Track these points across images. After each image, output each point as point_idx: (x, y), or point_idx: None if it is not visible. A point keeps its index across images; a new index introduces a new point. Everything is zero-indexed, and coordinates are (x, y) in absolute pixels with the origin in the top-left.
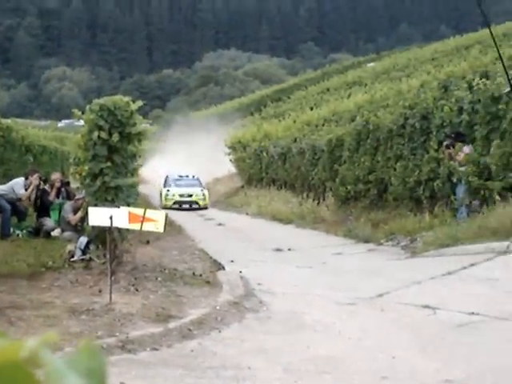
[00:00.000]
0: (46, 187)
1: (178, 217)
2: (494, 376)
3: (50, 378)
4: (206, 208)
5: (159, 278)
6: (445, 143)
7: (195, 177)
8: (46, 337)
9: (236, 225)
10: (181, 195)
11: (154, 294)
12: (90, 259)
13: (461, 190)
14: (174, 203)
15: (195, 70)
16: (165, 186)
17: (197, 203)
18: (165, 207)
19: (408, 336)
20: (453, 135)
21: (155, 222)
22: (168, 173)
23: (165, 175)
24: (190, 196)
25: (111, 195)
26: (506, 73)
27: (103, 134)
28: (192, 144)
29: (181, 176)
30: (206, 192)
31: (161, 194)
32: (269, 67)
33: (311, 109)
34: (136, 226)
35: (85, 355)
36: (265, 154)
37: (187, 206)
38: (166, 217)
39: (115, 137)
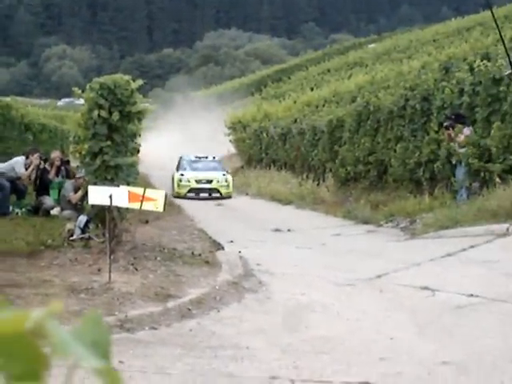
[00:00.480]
0: (46, 166)
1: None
2: (492, 358)
3: (55, 348)
4: (229, 197)
5: (158, 258)
6: (444, 124)
7: (216, 158)
8: (52, 308)
9: (235, 205)
10: (198, 181)
11: (153, 274)
12: (90, 238)
13: (461, 172)
14: (190, 191)
15: (196, 49)
16: (178, 170)
17: (218, 191)
18: (178, 195)
19: (406, 317)
20: (453, 117)
21: (155, 201)
22: (182, 153)
23: (178, 156)
24: (210, 182)
25: (111, 174)
26: (508, 55)
27: (103, 113)
28: (191, 124)
29: (198, 157)
30: (229, 177)
31: (173, 180)
32: (269, 47)
33: (312, 89)
34: (136, 206)
35: (89, 326)
36: (265, 134)
37: (206, 194)
38: (166, 196)
39: (115, 115)
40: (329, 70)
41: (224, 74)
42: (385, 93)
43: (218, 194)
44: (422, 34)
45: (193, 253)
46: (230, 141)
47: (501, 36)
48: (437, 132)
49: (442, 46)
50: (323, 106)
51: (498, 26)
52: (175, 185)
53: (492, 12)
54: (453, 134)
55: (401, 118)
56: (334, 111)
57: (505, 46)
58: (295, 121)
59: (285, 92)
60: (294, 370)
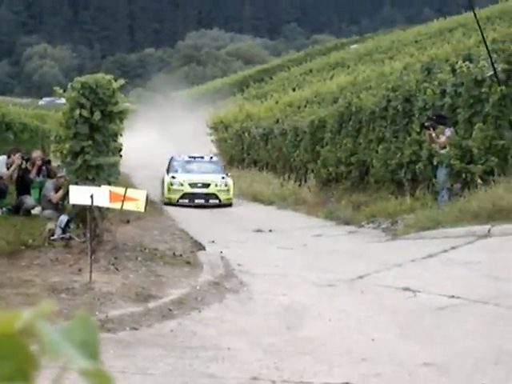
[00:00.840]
0: (27, 165)
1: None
2: (473, 359)
3: (45, 348)
4: (229, 205)
5: (139, 258)
6: (425, 124)
7: (214, 158)
8: (42, 307)
9: (217, 205)
10: (192, 185)
11: (134, 274)
12: (70, 238)
13: (442, 173)
14: (183, 196)
15: (177, 49)
16: (169, 172)
17: (216, 197)
18: (169, 202)
19: (388, 318)
20: (434, 117)
21: (136, 201)
22: (174, 153)
23: (169, 156)
24: (207, 186)
25: (92, 174)
26: (490, 56)
27: (85, 112)
28: (173, 124)
29: (192, 157)
30: (229, 181)
31: (163, 183)
32: (251, 47)
33: (293, 90)
34: (117, 205)
35: (79, 326)
36: (247, 134)
37: (202, 200)
38: (147, 196)
39: (97, 115)
40: (311, 71)
41: (206, 74)
42: (367, 94)
43: (216, 201)
44: (403, 34)
45: (174, 253)
46: (212, 141)
47: (483, 37)
48: (418, 133)
49: (424, 47)
50: (305, 106)
51: (480, 27)
52: (165, 189)
53: (474, 13)
54: (433, 135)
55: (383, 118)
56: (316, 112)
57: (487, 48)
58: (277, 121)
59: (267, 92)
60: (275, 370)
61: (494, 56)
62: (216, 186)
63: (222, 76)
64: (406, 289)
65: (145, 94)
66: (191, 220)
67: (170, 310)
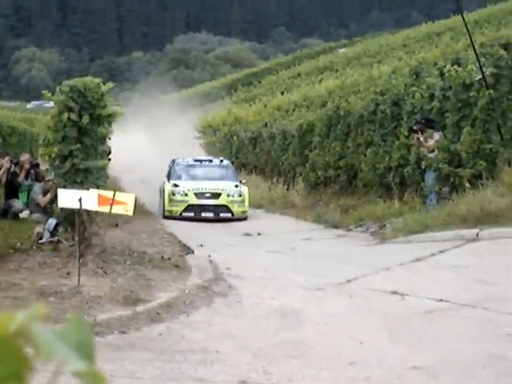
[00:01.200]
0: (16, 169)
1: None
2: (462, 363)
3: (39, 350)
4: (244, 219)
5: (128, 261)
6: (413, 128)
7: (224, 162)
8: (36, 310)
9: None
10: (199, 194)
11: (123, 277)
12: (59, 241)
13: (430, 177)
14: (187, 209)
15: (166, 52)
16: (170, 179)
17: (228, 209)
18: (170, 215)
19: (376, 322)
20: (423, 121)
21: (124, 204)
22: (176, 156)
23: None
24: (217, 196)
25: (80, 177)
26: (478, 60)
27: (73, 116)
28: (161, 127)
29: (198, 160)
30: (244, 190)
31: (162, 193)
32: (240, 51)
33: (282, 93)
34: (105, 209)
35: (73, 329)
36: (235, 138)
37: (210, 214)
38: (136, 200)
39: (85, 118)
40: (299, 75)
41: (194, 78)
42: (355, 97)
43: (228, 214)
44: (392, 38)
45: (162, 257)
46: (200, 144)
47: (471, 41)
48: (407, 137)
49: (413, 51)
50: (293, 110)
51: (468, 31)
52: (166, 200)
53: (463, 17)
54: (421, 138)
55: (371, 122)
56: (305, 115)
57: (475, 51)
58: (265, 125)
59: (255, 96)
60: (263, 374)
61: (483, 60)
62: (228, 196)
63: (211, 79)
64: (395, 292)
65: (133, 98)
66: (179, 224)
67: (159, 313)
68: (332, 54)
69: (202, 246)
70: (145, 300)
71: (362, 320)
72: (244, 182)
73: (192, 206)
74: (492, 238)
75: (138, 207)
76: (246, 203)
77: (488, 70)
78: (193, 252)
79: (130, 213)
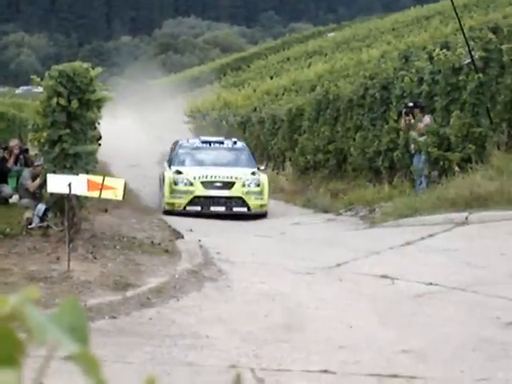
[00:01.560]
0: (5, 154)
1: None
2: (452, 346)
3: (33, 333)
4: (263, 215)
5: (117, 246)
6: (404, 110)
7: (237, 144)
8: (28, 293)
9: None
10: (207, 184)
11: (113, 262)
12: (48, 226)
13: (420, 161)
14: (193, 201)
15: (154, 37)
16: (171, 165)
17: (243, 202)
18: (171, 209)
19: (366, 306)
20: (411, 104)
21: (114, 189)
22: (179, 137)
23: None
24: (229, 186)
25: (70, 162)
26: (467, 43)
27: (62, 101)
28: (150, 112)
29: (207, 142)
30: (263, 178)
31: (161, 182)
32: (229, 35)
33: (271, 78)
34: (95, 194)
35: (67, 312)
36: (224, 122)
37: (222, 208)
38: (125, 185)
39: (74, 103)
40: (288, 59)
41: (183, 62)
42: (344, 82)
43: (243, 209)
44: (381, 22)
45: (152, 242)
46: (190, 129)
47: (460, 25)
48: (396, 121)
49: (402, 35)
50: (283, 94)
51: (457, 15)
52: (166, 191)
53: (452, 1)
54: (412, 121)
55: (360, 106)
56: (294, 100)
57: (464, 35)
58: (255, 109)
59: (244, 80)
60: (253, 358)
61: (472, 43)
62: (243, 185)
63: (200, 64)
64: (384, 276)
65: (122, 82)
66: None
67: (149, 298)
68: (321, 39)
69: (191, 231)
70: (135, 285)
71: (352, 304)
72: (263, 168)
73: (198, 198)
74: (481, 222)
75: (128, 192)
76: (266, 195)
77: (477, 54)
78: (182, 237)
79: (120, 198)
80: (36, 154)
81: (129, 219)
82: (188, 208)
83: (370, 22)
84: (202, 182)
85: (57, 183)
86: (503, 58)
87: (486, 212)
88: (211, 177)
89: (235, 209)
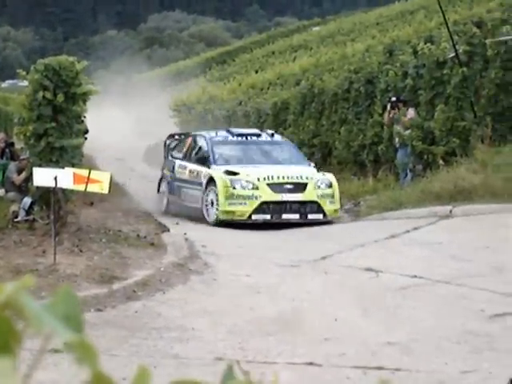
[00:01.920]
0: None
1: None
2: (436, 339)
3: (28, 322)
4: (329, 223)
5: (103, 240)
6: (388, 105)
7: (276, 136)
8: (24, 281)
9: None
10: (275, 186)
11: (98, 256)
12: (34, 220)
13: (404, 154)
14: (260, 208)
15: (140, 31)
16: (211, 163)
17: (318, 207)
18: (227, 219)
19: (351, 298)
20: (394, 99)
21: (100, 183)
22: (195, 131)
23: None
24: (301, 189)
25: (56, 156)
26: (451, 38)
27: (48, 94)
28: (136, 106)
29: (241, 135)
30: (332, 177)
31: (206, 186)
32: (214, 29)
33: (256, 72)
34: (80, 187)
35: (62, 300)
36: (210, 116)
37: (295, 215)
38: (111, 178)
39: (60, 97)
40: (273, 53)
41: (168, 56)
42: (329, 75)
43: (319, 216)
44: (365, 17)
45: (138, 235)
46: (175, 123)
47: (444, 19)
48: (381, 115)
49: (386, 29)
50: (268, 88)
51: (441, 9)
52: (221, 196)
53: None
54: (397, 115)
55: (345, 100)
56: (279, 94)
57: (448, 29)
58: (240, 103)
59: (229, 74)
60: (239, 351)
61: (456, 38)
62: (315, 188)
63: (185, 58)
64: (369, 269)
65: (108, 76)
66: (153, 199)
67: (135, 291)
68: (306, 33)
69: (177, 224)
70: (121, 278)
71: (337, 297)
72: (313, 165)
73: (267, 203)
74: (465, 215)
75: (114, 186)
76: (338, 197)
77: (461, 48)
78: (168, 230)
79: (106, 191)
80: (22, 148)
81: (114, 212)
82: (254, 217)
83: (354, 16)
84: (269, 185)
85: (43, 177)
86: (487, 52)
87: (471, 205)
88: (278, 177)
89: (310, 216)
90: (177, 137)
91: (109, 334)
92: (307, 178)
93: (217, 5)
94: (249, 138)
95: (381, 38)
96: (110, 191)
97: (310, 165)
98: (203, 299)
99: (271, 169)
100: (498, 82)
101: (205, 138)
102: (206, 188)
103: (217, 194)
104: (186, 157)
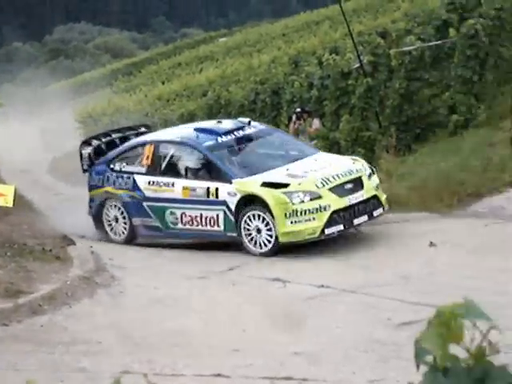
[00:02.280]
0: None
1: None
2: (344, 347)
3: None
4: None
5: (8, 253)
6: (293, 116)
7: (253, 123)
8: None
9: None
10: (337, 190)
11: (3, 270)
12: None
13: None
14: (333, 221)
15: (45, 43)
16: (231, 177)
17: (378, 202)
18: (290, 241)
19: (259, 309)
20: (298, 110)
21: (4, 196)
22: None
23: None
24: (359, 185)
25: None
26: (356, 48)
27: None
28: (41, 118)
29: (229, 132)
30: (365, 162)
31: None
32: (119, 41)
33: (163, 83)
34: None
35: None
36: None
37: (364, 217)
38: (15, 191)
39: None
40: (179, 64)
41: (74, 68)
42: (235, 87)
43: (380, 210)
44: (271, 28)
45: (43, 248)
46: (80, 135)
47: (349, 30)
48: (287, 125)
49: (292, 40)
50: (174, 99)
51: (346, 20)
52: (279, 217)
53: (341, 6)
54: (302, 126)
55: (251, 111)
56: (186, 105)
57: (353, 40)
58: (147, 114)
59: (136, 86)
60: (147, 363)
61: (360, 48)
62: (369, 183)
63: (91, 69)
64: (276, 279)
65: (13, 89)
66: (62, 214)
67: (41, 305)
68: (212, 44)
69: (83, 237)
70: (26, 292)
71: (245, 308)
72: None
73: (336, 212)
74: (370, 224)
75: (19, 199)
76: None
77: (365, 58)
78: (74, 243)
79: (10, 204)
80: None
81: (20, 226)
82: (328, 231)
83: (260, 27)
84: (331, 189)
85: None
86: (391, 63)
87: None
88: (334, 178)
89: (375, 213)
90: (95, 142)
91: (14, 349)
92: (357, 171)
93: (122, 16)
94: (236, 133)
95: (286, 49)
96: (14, 204)
97: (319, 150)
98: (110, 312)
99: (311, 168)
100: (403, 92)
101: (192, 146)
102: (239, 210)
103: (266, 215)
104: (157, 170)
